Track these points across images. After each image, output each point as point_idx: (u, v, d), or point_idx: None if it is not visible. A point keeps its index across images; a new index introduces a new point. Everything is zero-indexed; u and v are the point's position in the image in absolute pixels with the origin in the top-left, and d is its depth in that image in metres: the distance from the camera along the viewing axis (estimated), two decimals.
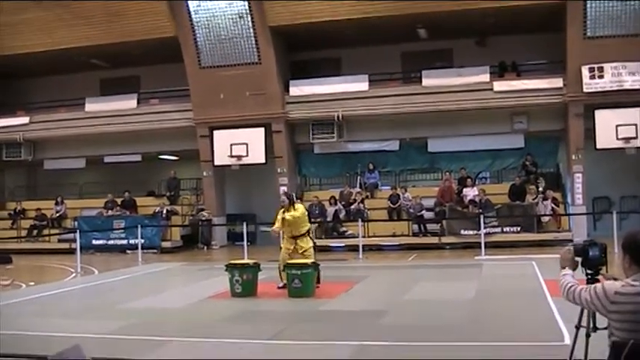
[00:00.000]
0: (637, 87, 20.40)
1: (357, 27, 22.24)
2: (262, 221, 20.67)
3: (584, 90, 20.76)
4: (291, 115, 23.42)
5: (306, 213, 12.70)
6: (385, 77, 23.89)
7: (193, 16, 22.77)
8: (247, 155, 23.23)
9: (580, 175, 21.31)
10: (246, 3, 22.21)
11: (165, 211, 23.86)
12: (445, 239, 20.86)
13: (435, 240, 20.98)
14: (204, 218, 23.86)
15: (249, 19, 22.44)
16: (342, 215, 22.23)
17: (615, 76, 20.47)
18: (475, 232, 19.51)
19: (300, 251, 12.04)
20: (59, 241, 23.41)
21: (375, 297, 11.64)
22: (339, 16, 21.71)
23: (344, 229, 21.78)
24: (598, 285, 3.82)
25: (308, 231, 12.37)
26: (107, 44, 23.59)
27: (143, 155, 26.05)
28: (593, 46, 20.46)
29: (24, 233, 24.95)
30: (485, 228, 18.99)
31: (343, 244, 21.00)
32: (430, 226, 21.58)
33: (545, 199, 20.56)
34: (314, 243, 12.55)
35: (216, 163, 23.82)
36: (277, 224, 12.21)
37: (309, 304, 10.72)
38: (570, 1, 20.37)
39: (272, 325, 9.01)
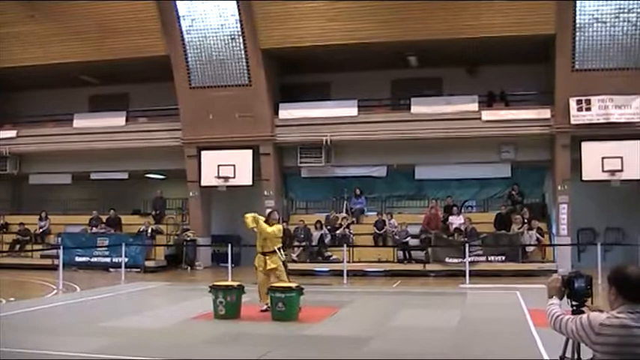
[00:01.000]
0: (623, 120, 20.64)
1: (348, 52, 22.39)
2: (247, 243, 20.57)
3: (572, 122, 20.93)
4: (279, 138, 23.45)
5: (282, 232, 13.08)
6: (374, 103, 24.07)
7: (185, 35, 22.80)
8: (234, 177, 23.21)
9: (565, 205, 21.40)
10: (239, 25, 22.31)
11: (150, 230, 23.72)
12: (430, 266, 20.84)
13: (419, 267, 20.97)
14: (188, 238, 23.75)
15: (241, 40, 22.51)
16: (327, 240, 22.19)
17: (602, 108, 20.67)
18: (460, 260, 19.52)
19: (268, 267, 12.23)
20: (42, 256, 23.14)
21: (360, 323, 11.58)
22: (330, 40, 21.83)
23: (329, 253, 21.74)
24: (584, 316, 3.82)
25: (279, 249, 12.50)
26: (98, 61, 23.61)
27: (130, 173, 25.90)
28: (581, 78, 20.69)
29: (6, 248, 24.67)
30: (470, 256, 19.00)
31: (328, 269, 20.99)
32: (415, 254, 21.57)
33: (530, 229, 20.62)
34: (283, 262, 12.61)
35: (203, 183, 23.77)
36: (254, 221, 12.32)
37: (293, 327, 10.67)
38: (559, 33, 20.61)
39: (255, 348, 8.95)
